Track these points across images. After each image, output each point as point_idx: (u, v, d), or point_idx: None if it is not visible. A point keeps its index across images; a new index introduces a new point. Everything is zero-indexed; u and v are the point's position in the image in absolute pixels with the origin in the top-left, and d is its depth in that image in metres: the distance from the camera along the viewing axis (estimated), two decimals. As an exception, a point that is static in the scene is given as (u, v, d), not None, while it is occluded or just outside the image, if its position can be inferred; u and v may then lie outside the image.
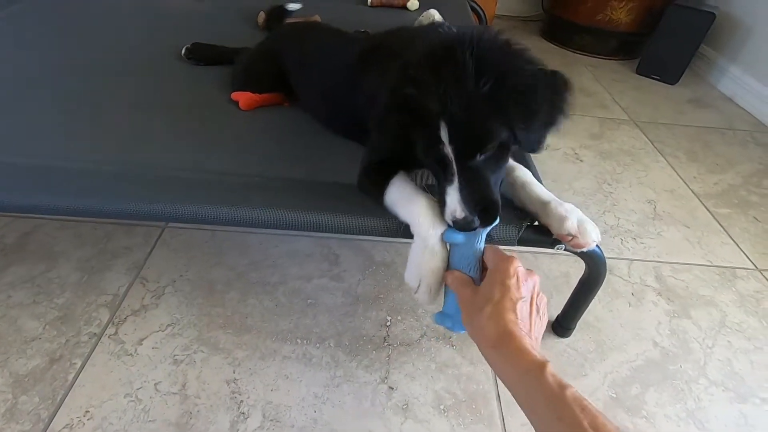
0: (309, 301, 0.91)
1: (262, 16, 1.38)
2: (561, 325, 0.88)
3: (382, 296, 0.93)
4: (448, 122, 0.54)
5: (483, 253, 0.62)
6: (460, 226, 0.59)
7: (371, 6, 1.60)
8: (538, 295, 0.58)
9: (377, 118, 0.64)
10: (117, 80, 1.06)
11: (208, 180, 0.76)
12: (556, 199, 0.72)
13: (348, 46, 0.89)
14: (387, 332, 0.87)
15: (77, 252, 0.96)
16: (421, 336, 0.86)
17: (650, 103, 1.83)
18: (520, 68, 0.56)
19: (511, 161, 0.78)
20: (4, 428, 0.67)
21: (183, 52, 1.17)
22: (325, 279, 0.96)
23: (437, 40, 0.58)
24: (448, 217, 0.59)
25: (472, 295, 0.58)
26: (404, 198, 0.68)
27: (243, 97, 1.01)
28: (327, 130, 0.92)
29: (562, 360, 0.85)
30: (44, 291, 0.87)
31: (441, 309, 0.66)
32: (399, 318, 0.89)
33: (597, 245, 0.72)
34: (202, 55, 1.18)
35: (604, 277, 0.74)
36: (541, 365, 0.47)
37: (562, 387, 0.45)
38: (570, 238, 0.67)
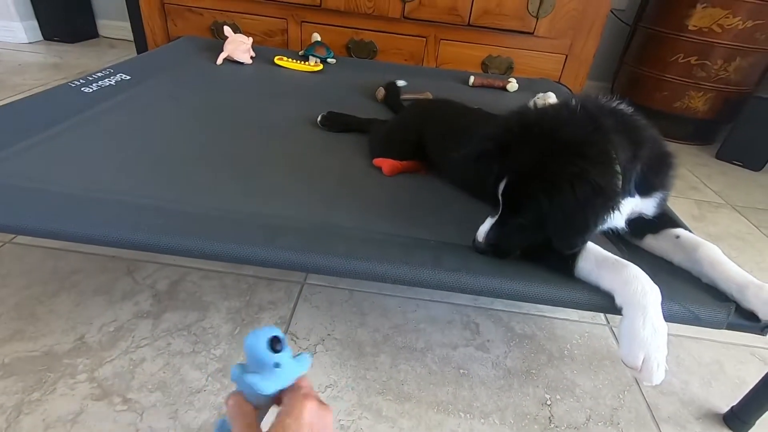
0: (461, 371, 0.88)
1: (381, 92, 1.50)
2: (738, 418, 0.82)
3: (533, 371, 0.89)
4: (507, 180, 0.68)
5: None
6: (474, 247, 0.75)
7: (473, 86, 1.72)
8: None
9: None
10: (258, 142, 1.13)
11: (370, 238, 0.77)
12: (755, 280, 0.70)
13: (488, 121, 0.97)
14: (550, 412, 0.82)
15: (225, 303, 0.97)
16: (587, 419, 0.81)
17: (741, 188, 1.84)
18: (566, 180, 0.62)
19: (696, 237, 0.78)
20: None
21: (319, 119, 1.26)
22: (471, 348, 0.93)
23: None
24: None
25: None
26: (608, 264, 0.67)
27: (386, 164, 1.06)
28: (469, 197, 0.96)
29: (747, 459, 0.78)
30: (201, 341, 0.87)
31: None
32: (558, 397, 0.85)
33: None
34: (336, 122, 1.27)
35: (812, 368, 0.70)
36: None
37: None
38: None
